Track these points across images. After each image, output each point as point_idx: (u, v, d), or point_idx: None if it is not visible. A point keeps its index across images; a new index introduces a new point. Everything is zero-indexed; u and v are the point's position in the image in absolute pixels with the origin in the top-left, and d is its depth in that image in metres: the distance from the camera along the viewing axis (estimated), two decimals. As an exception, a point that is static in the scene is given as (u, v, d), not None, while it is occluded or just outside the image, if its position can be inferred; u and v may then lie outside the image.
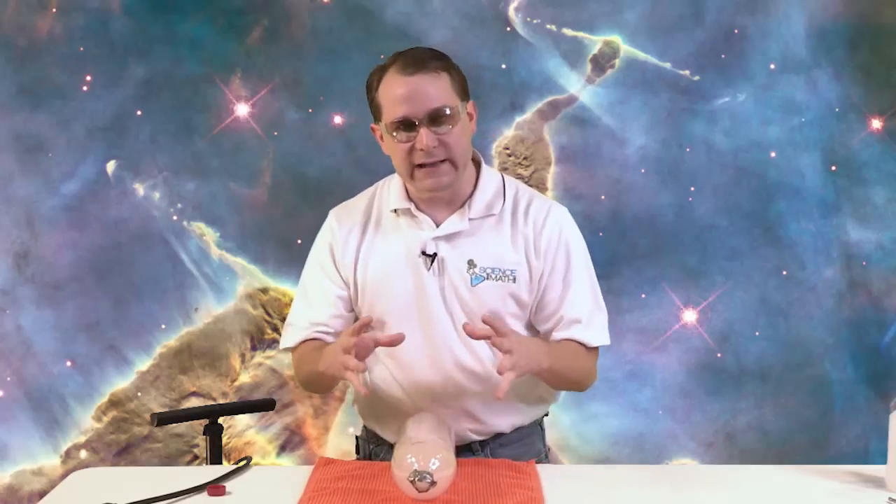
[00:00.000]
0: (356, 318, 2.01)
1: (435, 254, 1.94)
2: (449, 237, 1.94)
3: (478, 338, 1.77)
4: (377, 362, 2.00)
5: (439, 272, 1.93)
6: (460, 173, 1.92)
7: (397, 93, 1.86)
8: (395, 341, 1.79)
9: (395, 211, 1.98)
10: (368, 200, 2.04)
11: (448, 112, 1.85)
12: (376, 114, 1.94)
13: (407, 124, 1.86)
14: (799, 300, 3.29)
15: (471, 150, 1.97)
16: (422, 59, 1.88)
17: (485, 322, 1.75)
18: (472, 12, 3.25)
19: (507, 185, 2.01)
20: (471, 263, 1.93)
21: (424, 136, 1.84)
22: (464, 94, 1.92)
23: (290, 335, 2.03)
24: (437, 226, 1.95)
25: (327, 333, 2.00)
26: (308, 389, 2.08)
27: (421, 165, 1.87)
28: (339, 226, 2.02)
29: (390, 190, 2.01)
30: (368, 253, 1.98)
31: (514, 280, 1.94)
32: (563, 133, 3.29)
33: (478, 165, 2.01)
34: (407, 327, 1.90)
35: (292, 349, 2.04)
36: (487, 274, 1.93)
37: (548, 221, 1.97)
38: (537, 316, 1.99)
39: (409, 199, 1.97)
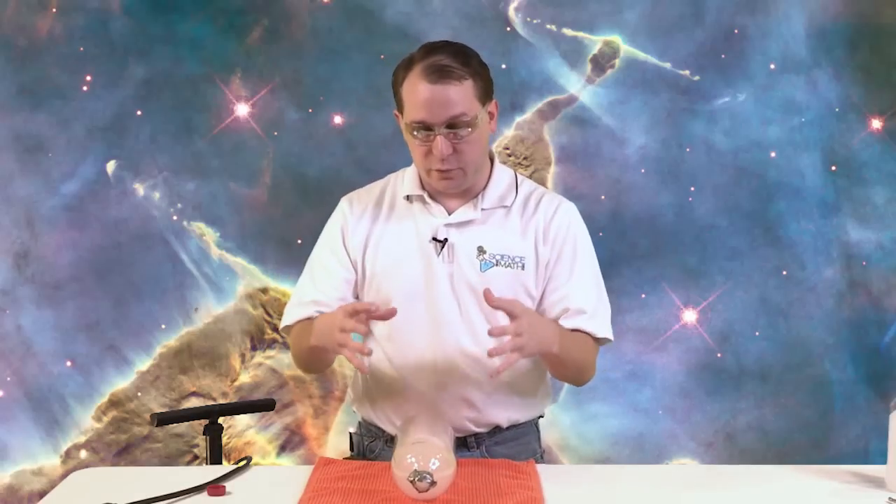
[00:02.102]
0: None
1: (445, 239, 1.96)
2: (460, 225, 1.98)
3: (495, 306, 1.76)
4: (376, 346, 2.01)
5: (449, 258, 1.96)
6: (472, 176, 1.96)
7: (419, 98, 1.88)
8: (388, 315, 1.80)
9: (408, 198, 2.02)
10: (381, 188, 2.08)
11: (466, 118, 1.89)
12: (399, 105, 1.97)
13: (425, 129, 1.89)
14: (799, 300, 3.30)
15: (486, 151, 2.00)
16: (447, 67, 1.88)
17: (497, 303, 1.75)
18: (472, 12, 3.25)
19: (520, 180, 2.06)
20: (480, 250, 1.96)
21: (441, 143, 1.88)
22: (486, 96, 1.94)
23: (291, 313, 2.04)
24: (449, 214, 1.98)
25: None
26: (302, 367, 2.09)
27: (435, 170, 1.92)
28: (350, 209, 2.04)
29: (404, 178, 2.05)
30: (379, 237, 2.01)
31: (523, 268, 1.97)
32: (563, 133, 3.29)
33: (491, 161, 2.05)
34: (413, 311, 1.94)
35: (291, 327, 2.04)
36: (497, 260, 1.96)
37: (558, 213, 2.01)
38: (543, 303, 2.00)
39: (423, 187, 2.01)
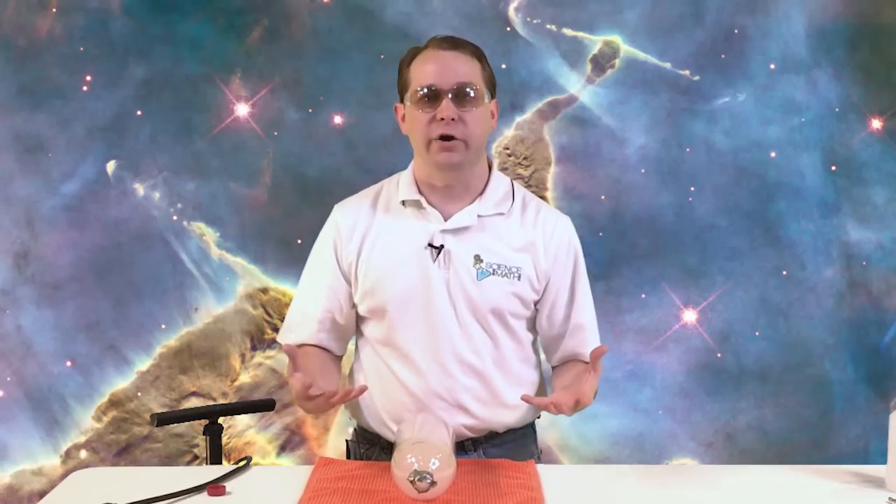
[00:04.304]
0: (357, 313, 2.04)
1: (442, 246, 1.95)
2: (456, 231, 1.96)
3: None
4: (373, 350, 2.01)
5: (445, 264, 1.95)
6: (472, 158, 1.95)
7: (429, 65, 1.93)
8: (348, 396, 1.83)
9: (404, 202, 2.00)
10: (375, 193, 2.06)
11: (473, 92, 1.91)
12: (403, 90, 1.98)
13: (432, 94, 1.90)
14: (799, 300, 3.30)
15: (486, 142, 2.01)
16: (459, 41, 1.96)
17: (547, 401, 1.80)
18: (472, 12, 3.25)
19: (516, 189, 2.06)
20: (477, 258, 1.96)
21: (446, 106, 1.89)
22: (491, 88, 1.98)
23: (288, 330, 2.05)
24: (446, 220, 1.97)
25: (327, 330, 2.03)
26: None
27: (437, 139, 1.91)
28: (343, 219, 2.03)
29: (399, 183, 2.03)
30: (374, 242, 2.00)
31: (519, 278, 1.97)
32: (563, 133, 3.29)
33: (489, 167, 2.05)
34: (409, 317, 1.94)
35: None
36: (493, 270, 1.96)
37: (557, 228, 2.03)
38: (549, 321, 2.03)
39: (420, 192, 1.99)
